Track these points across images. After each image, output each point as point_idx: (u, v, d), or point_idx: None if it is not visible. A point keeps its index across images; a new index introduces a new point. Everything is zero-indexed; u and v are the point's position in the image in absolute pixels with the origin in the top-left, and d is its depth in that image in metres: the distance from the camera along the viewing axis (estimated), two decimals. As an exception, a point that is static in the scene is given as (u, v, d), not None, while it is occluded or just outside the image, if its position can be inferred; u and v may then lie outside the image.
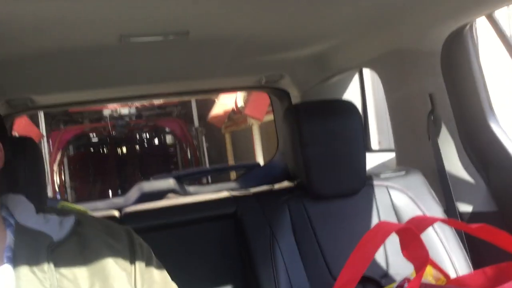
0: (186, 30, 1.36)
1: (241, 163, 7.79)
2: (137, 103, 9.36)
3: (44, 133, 9.04)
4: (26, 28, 1.17)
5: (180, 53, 1.65)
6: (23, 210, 0.91)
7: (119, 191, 10.81)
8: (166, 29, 1.34)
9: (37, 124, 8.77)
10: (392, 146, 1.92)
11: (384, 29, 1.62)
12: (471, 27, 1.52)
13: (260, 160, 8.05)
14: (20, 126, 7.31)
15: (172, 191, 2.18)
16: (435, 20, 1.48)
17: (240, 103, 7.70)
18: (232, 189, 1.91)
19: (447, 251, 1.35)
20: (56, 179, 9.88)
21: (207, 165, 10.18)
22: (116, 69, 1.76)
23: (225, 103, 8.39)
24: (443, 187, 1.56)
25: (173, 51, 1.60)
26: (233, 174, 5.66)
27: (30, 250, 0.82)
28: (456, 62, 1.56)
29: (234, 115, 8.75)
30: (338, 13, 1.42)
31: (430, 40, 1.55)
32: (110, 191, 11.31)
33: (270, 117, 7.18)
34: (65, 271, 0.83)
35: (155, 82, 2.08)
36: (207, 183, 4.04)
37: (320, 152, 1.39)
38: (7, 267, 0.81)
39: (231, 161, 9.79)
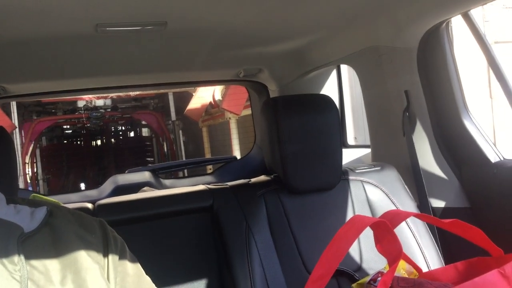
0: (164, 21, 1.34)
1: (218, 156, 7.78)
2: (113, 95, 9.23)
3: (17, 124, 8.84)
4: (0, 13, 1.14)
5: (157, 44, 1.62)
6: None
7: (93, 184, 10.67)
8: (143, 19, 1.32)
9: (9, 115, 8.57)
10: (368, 142, 1.94)
11: (361, 25, 1.63)
12: (447, 25, 1.55)
13: (237, 154, 8.05)
14: None
15: (148, 184, 2.15)
16: (411, 18, 1.50)
17: (218, 97, 7.69)
18: (209, 183, 1.90)
19: (420, 246, 1.38)
20: (28, 171, 9.68)
21: (184, 158, 10.13)
22: (92, 59, 1.73)
23: (202, 96, 8.37)
24: (417, 182, 1.59)
25: (150, 42, 1.58)
26: (209, 169, 5.64)
27: (2, 241, 0.80)
28: (432, 60, 1.58)
29: (212, 109, 8.73)
30: (316, 9, 1.42)
31: (407, 38, 1.57)
32: (83, 184, 11.16)
33: (247, 111, 7.22)
34: (36, 263, 0.81)
35: (132, 73, 2.05)
36: (184, 176, 4.01)
37: (297, 146, 1.40)
38: None
39: (208, 155, 9.76)
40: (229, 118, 8.22)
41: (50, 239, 0.86)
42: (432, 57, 1.58)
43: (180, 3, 1.23)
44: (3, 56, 1.52)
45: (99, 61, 1.78)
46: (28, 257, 0.81)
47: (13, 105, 8.60)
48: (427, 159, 1.63)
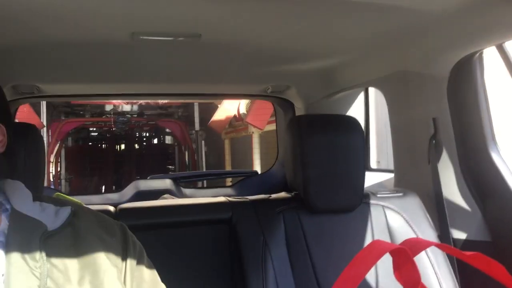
0: (198, 33, 1.37)
1: (239, 170, 7.79)
2: (141, 101, 9.38)
3: (45, 123, 9.05)
4: (41, 16, 1.18)
5: (189, 55, 1.65)
6: (20, 197, 0.91)
7: (114, 187, 10.79)
8: (178, 30, 1.35)
9: (38, 113, 8.79)
10: (391, 167, 1.92)
11: (391, 50, 1.63)
12: (480, 55, 1.53)
13: (258, 168, 8.05)
14: (22, 114, 7.32)
15: (168, 191, 2.17)
16: (444, 46, 1.49)
17: (243, 110, 7.73)
18: (229, 195, 1.91)
19: (438, 277, 1.35)
20: (52, 170, 9.86)
21: (205, 169, 10.17)
22: (124, 65, 1.77)
23: (227, 108, 8.42)
24: (439, 212, 1.56)
25: (182, 52, 1.61)
26: (229, 181, 5.65)
27: (24, 237, 0.82)
28: (462, 89, 1.57)
29: (236, 122, 8.77)
30: (347, 30, 1.43)
31: (438, 65, 1.56)
32: (104, 186, 11.29)
33: (270, 127, 7.23)
34: (57, 261, 0.82)
35: (162, 82, 2.08)
36: (203, 187, 4.03)
37: (319, 166, 1.40)
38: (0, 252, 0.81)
39: (228, 167, 9.79)
40: (252, 132, 8.24)
41: (72, 238, 0.88)
42: (463, 86, 1.56)
43: (215, 17, 1.25)
44: (40, 57, 1.57)
45: (132, 68, 1.83)
46: (49, 254, 0.82)
47: (43, 104, 8.81)
48: (451, 189, 1.60)
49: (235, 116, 8.40)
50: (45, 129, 9.24)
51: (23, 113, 7.45)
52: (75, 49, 1.50)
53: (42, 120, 8.76)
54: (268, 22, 1.32)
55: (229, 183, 5.06)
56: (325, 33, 1.46)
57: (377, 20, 1.33)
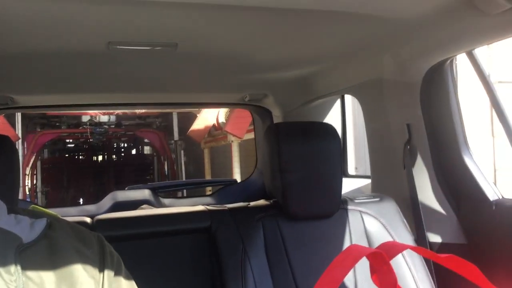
0: (174, 42, 1.37)
1: (218, 178, 7.77)
2: (118, 111, 9.28)
3: (20, 135, 8.87)
4: (14, 26, 1.17)
5: (166, 65, 1.66)
6: None
7: (92, 199, 10.61)
8: (154, 39, 1.35)
9: (13, 125, 8.61)
10: (368, 172, 1.95)
11: (366, 58, 1.66)
12: (451, 62, 1.57)
13: (238, 177, 8.04)
14: None
15: (147, 202, 2.15)
16: (416, 53, 1.53)
17: (222, 119, 7.73)
18: (208, 204, 1.90)
19: (415, 279, 1.37)
20: (28, 182, 9.66)
21: (184, 178, 10.10)
22: (101, 75, 1.76)
23: (206, 118, 8.41)
24: (415, 216, 1.59)
25: (160, 62, 1.61)
26: (208, 190, 5.63)
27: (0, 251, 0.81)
28: (435, 95, 1.61)
29: (215, 131, 8.76)
30: (323, 40, 1.45)
31: (411, 72, 1.60)
32: (82, 199, 11.11)
33: (249, 135, 7.24)
34: (32, 274, 0.81)
35: (139, 92, 2.08)
36: (183, 196, 4.01)
37: (297, 173, 1.41)
38: None
39: (208, 176, 9.74)
40: (232, 141, 8.24)
41: (48, 251, 0.86)
42: (435, 92, 1.60)
43: (191, 26, 1.26)
44: (14, 67, 1.55)
45: (108, 78, 1.82)
46: (24, 268, 0.81)
47: (18, 116, 8.64)
48: (426, 193, 1.63)
49: (214, 125, 8.39)
50: (20, 141, 9.06)
51: (-2, 126, 7.30)
52: (50, 59, 1.49)
53: (17, 132, 8.58)
54: (244, 32, 1.34)
55: (208, 192, 5.04)
56: (301, 42, 1.48)
57: (352, 29, 1.35)
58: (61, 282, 0.83)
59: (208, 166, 10.02)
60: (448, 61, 1.56)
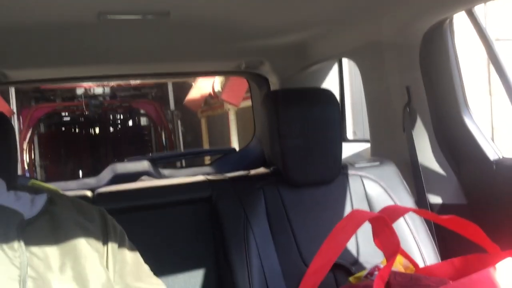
0: (167, 10, 1.33)
1: (216, 147, 7.78)
2: (112, 83, 9.19)
3: (15, 110, 8.80)
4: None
5: (159, 34, 1.62)
6: None
7: (91, 172, 10.65)
8: (146, 8, 1.31)
9: (7, 100, 8.54)
10: (367, 136, 1.94)
11: (364, 20, 1.63)
12: (450, 22, 1.54)
13: (236, 145, 8.05)
14: None
15: (146, 173, 2.15)
16: (414, 14, 1.50)
17: (217, 88, 7.67)
18: (207, 173, 1.90)
19: (417, 242, 1.38)
20: (26, 157, 9.67)
21: (182, 149, 10.12)
22: (93, 46, 1.72)
23: (202, 87, 8.33)
24: (415, 178, 1.59)
25: (152, 31, 1.57)
26: (207, 159, 5.64)
27: (2, 228, 0.81)
28: (434, 56, 1.58)
29: (211, 100, 8.70)
30: (319, 2, 1.41)
31: (409, 33, 1.57)
32: (81, 172, 11.15)
33: (246, 103, 7.21)
34: (36, 249, 0.81)
35: (133, 62, 2.04)
36: (181, 167, 4.02)
37: (297, 140, 1.40)
38: None
39: (206, 146, 9.76)
40: (228, 109, 8.20)
41: (50, 226, 0.87)
42: (435, 53, 1.58)
43: (183, -7, 1.22)
44: (4, 42, 1.51)
45: (100, 49, 1.78)
46: (28, 243, 0.81)
47: (12, 90, 8.56)
48: (426, 156, 1.63)
49: (210, 94, 8.32)
50: (15, 116, 9.00)
51: (-8, 101, 7.24)
52: (40, 32, 1.45)
53: (11, 107, 8.52)
54: (238, -3, 1.30)
55: (207, 162, 5.05)
56: (297, 6, 1.44)
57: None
58: (65, 256, 0.84)
59: (206, 135, 10.00)
60: (447, 21, 1.53)
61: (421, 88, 1.60)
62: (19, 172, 9.20)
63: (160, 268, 1.05)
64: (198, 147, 9.99)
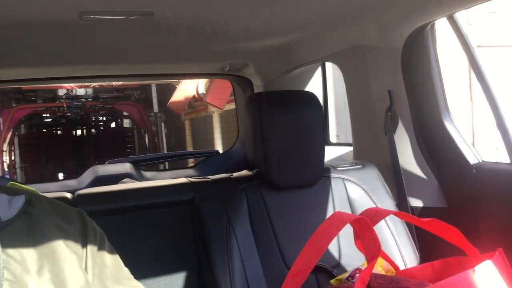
0: (150, 11, 1.33)
1: (200, 150, 7.77)
2: (95, 84, 9.10)
3: (-5, 111, 8.67)
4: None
5: (143, 35, 1.61)
6: None
7: (72, 174, 10.52)
8: (129, 8, 1.30)
9: (-14, 101, 8.40)
10: (350, 140, 1.96)
11: (347, 24, 1.64)
12: (432, 27, 1.56)
13: (219, 148, 8.05)
14: None
15: (128, 176, 2.13)
16: (397, 18, 1.51)
17: (202, 90, 7.68)
18: (190, 176, 1.89)
19: (397, 244, 1.40)
20: (6, 159, 9.53)
21: (165, 151, 10.07)
22: (76, 46, 1.70)
23: (186, 89, 8.34)
24: (397, 182, 1.61)
25: (135, 32, 1.56)
26: (191, 162, 5.62)
27: None
28: (416, 61, 1.60)
29: (195, 102, 8.70)
30: (303, 6, 1.42)
31: (391, 38, 1.58)
32: (62, 174, 11.00)
33: (230, 106, 7.23)
34: (13, 252, 0.80)
35: (115, 63, 2.02)
36: (165, 169, 3.99)
37: (280, 142, 1.40)
38: None
39: (189, 148, 9.74)
40: (212, 112, 8.21)
41: (28, 228, 0.85)
42: (416, 58, 1.60)
43: (167, -6, 1.22)
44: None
45: (83, 49, 1.76)
46: (4, 246, 0.79)
47: (-8, 91, 8.42)
48: (408, 159, 1.65)
49: (194, 96, 8.33)
50: (-5, 117, 8.87)
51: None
52: (20, 31, 1.43)
53: (-9, 108, 8.38)
54: (223, -1, 1.30)
55: (191, 165, 5.03)
56: (280, 9, 1.45)
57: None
58: (43, 259, 0.82)
59: (190, 137, 9.98)
60: (429, 26, 1.55)
61: (402, 92, 1.62)
62: (-1, 173, 9.08)
63: (141, 271, 1.04)
64: (181, 149, 9.96)
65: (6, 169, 9.64)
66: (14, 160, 10.27)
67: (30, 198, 0.89)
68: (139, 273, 1.01)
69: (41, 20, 1.34)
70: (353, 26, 1.64)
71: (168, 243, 1.39)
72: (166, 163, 5.71)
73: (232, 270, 1.28)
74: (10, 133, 9.78)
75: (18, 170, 10.35)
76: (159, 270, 1.35)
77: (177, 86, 8.61)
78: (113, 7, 1.28)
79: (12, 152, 10.17)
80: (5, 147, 9.49)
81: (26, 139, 11.09)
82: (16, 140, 10.38)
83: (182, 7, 1.34)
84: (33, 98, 10.36)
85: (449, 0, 1.33)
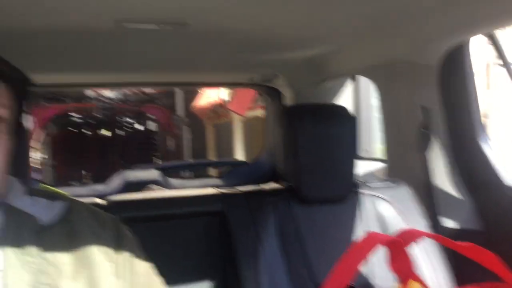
0: (184, 21, 1.33)
1: (227, 159, 7.81)
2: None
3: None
4: (23, 2, 1.13)
5: (175, 44, 1.62)
6: (12, 190, 0.88)
7: (98, 174, 10.77)
8: (163, 18, 1.31)
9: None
10: (374, 155, 1.92)
11: (381, 38, 1.62)
12: (468, 44, 1.53)
13: (239, 154, 8.12)
14: None
15: (156, 182, 2.15)
16: (434, 34, 1.48)
17: (224, 97, 7.77)
18: (217, 186, 1.89)
19: (431, 267, 1.36)
20: (37, 157, 9.81)
21: (189, 155, 10.19)
22: (109, 54, 1.73)
23: (209, 95, 8.45)
24: (429, 201, 1.57)
25: (168, 40, 1.57)
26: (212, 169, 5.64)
27: (18, 232, 0.80)
28: (452, 78, 1.57)
29: (218, 108, 8.80)
30: (336, 18, 1.41)
31: (427, 54, 1.56)
32: (88, 173, 11.24)
33: (251, 113, 7.27)
34: (50, 256, 0.81)
35: (147, 71, 2.04)
36: (192, 177, 4.01)
37: (311, 156, 1.38)
38: None
39: (211, 152, 9.85)
40: (234, 118, 8.30)
41: (65, 233, 0.86)
42: (453, 75, 1.56)
43: (202, 4, 1.22)
44: (21, 45, 1.51)
45: (117, 57, 1.78)
46: (43, 249, 0.81)
47: (24, 91, 8.64)
48: (441, 178, 1.61)
49: (217, 102, 8.43)
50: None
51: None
52: (56, 37, 1.45)
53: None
54: (257, 8, 1.30)
55: (211, 171, 5.07)
56: (314, 21, 1.44)
57: (366, 8, 1.31)
58: (78, 264, 0.83)
59: (212, 142, 10.07)
60: (466, 43, 1.52)
61: (437, 109, 1.59)
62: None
63: (168, 280, 1.04)
64: (204, 153, 10.05)
65: (38, 167, 9.90)
66: (44, 158, 10.55)
67: (68, 203, 0.90)
68: (167, 282, 1.01)
69: (78, 26, 1.36)
70: (387, 40, 1.62)
71: (197, 253, 1.39)
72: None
73: (259, 283, 1.27)
74: (41, 132, 10.04)
75: (48, 168, 10.64)
76: (186, 280, 1.35)
77: (200, 92, 8.71)
78: (147, 16, 1.29)
79: (43, 151, 10.45)
80: (37, 145, 9.77)
81: (55, 138, 11.37)
82: (46, 139, 10.66)
83: (216, 17, 1.34)
84: (63, 98, 10.61)
85: (488, 17, 1.30)
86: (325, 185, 1.40)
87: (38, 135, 9.76)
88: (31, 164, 9.25)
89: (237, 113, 7.81)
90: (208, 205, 1.43)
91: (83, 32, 1.41)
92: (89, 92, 10.05)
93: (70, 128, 12.18)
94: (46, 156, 10.57)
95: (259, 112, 7.31)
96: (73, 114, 11.64)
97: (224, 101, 7.93)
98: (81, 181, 10.71)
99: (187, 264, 1.37)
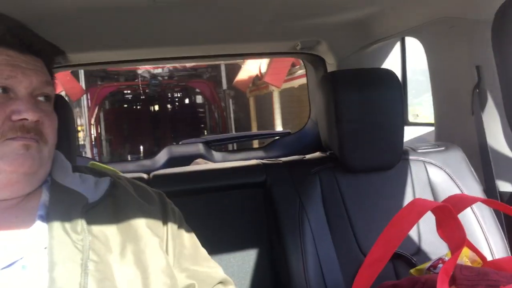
0: None
1: (270, 131, 7.84)
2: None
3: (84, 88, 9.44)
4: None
5: (214, 15, 1.59)
6: (60, 168, 0.90)
7: (150, 147, 11.35)
8: None
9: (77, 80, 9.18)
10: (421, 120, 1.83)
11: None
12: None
13: (278, 124, 8.22)
14: (66, 82, 7.61)
15: (201, 156, 2.16)
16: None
17: (263, 69, 7.84)
18: (261, 157, 1.87)
19: (484, 233, 1.30)
20: (93, 132, 10.39)
21: (233, 126, 10.42)
22: (148, 30, 1.72)
23: (249, 68, 8.56)
24: (484, 165, 1.48)
25: (207, 12, 1.54)
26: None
27: (65, 209, 0.82)
28: (508, 34, 1.46)
29: (258, 81, 8.93)
30: None
31: (481, 9, 1.45)
32: (141, 145, 11.79)
33: (288, 84, 7.32)
34: (98, 233, 0.82)
35: (188, 44, 2.03)
36: (235, 150, 4.02)
37: (355, 124, 1.34)
38: (41, 225, 0.81)
39: (254, 123, 10.10)
40: (273, 90, 8.36)
41: (112, 209, 0.87)
42: (508, 31, 1.45)
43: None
44: (61, 25, 1.54)
45: (156, 32, 1.78)
46: (90, 227, 0.82)
47: (81, 70, 9.03)
48: (497, 140, 1.52)
49: (257, 75, 8.52)
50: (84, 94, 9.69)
51: (67, 82, 7.74)
52: (96, 15, 1.46)
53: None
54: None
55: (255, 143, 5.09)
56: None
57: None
58: (126, 240, 0.84)
59: (254, 113, 10.22)
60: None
61: (492, 68, 1.48)
62: (88, 145, 9.93)
63: (213, 252, 1.05)
64: (247, 125, 10.22)
65: (93, 141, 10.47)
66: (100, 133, 11.11)
67: (114, 180, 0.92)
68: (211, 253, 1.01)
69: (114, 4, 1.36)
70: (437, -4, 1.52)
71: (241, 224, 1.39)
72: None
73: (305, 253, 1.26)
74: (97, 108, 10.53)
75: (103, 142, 11.22)
76: (231, 251, 1.36)
77: (242, 66, 8.82)
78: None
79: (98, 126, 11.01)
80: (93, 121, 10.28)
81: (110, 114, 11.94)
82: (101, 115, 11.21)
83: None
84: (115, 77, 11.01)
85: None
86: (371, 153, 1.35)
87: (94, 112, 10.34)
88: (90, 140, 9.83)
89: (273, 85, 7.86)
90: (251, 176, 1.42)
91: (121, 9, 1.41)
92: (140, 71, 10.36)
93: (123, 104, 12.77)
94: (102, 132, 11.18)
95: (296, 83, 7.33)
96: (125, 91, 12.17)
97: (262, 74, 8.00)
98: (137, 155, 11.27)
99: (232, 236, 1.38)
